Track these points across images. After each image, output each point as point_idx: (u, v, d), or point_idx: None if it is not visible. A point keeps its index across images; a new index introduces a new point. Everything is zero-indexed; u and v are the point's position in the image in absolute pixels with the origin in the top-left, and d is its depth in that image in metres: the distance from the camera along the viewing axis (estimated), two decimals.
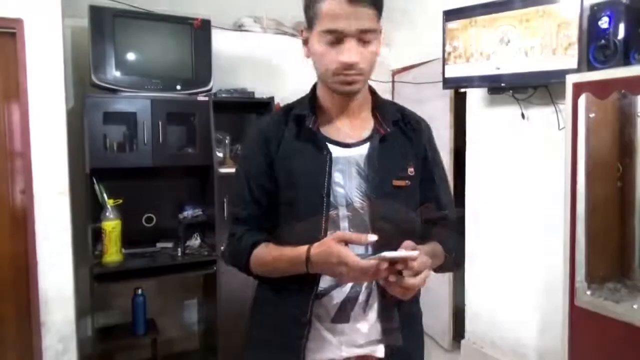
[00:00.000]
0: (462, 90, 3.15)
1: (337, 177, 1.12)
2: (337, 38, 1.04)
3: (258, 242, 1.14)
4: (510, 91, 2.69)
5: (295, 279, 1.09)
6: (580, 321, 2.17)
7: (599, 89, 2.06)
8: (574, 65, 2.30)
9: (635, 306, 2.00)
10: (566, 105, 2.20)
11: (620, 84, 2.00)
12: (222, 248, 1.15)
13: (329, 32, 1.04)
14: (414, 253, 0.96)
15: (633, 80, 1.95)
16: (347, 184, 1.12)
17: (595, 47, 2.18)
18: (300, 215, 1.10)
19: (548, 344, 2.76)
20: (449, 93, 3.25)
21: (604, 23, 2.15)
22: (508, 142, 2.94)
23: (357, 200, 1.12)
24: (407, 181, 1.15)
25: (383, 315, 1.15)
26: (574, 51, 2.30)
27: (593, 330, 2.12)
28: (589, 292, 2.16)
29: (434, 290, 3.55)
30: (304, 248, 1.03)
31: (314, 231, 1.08)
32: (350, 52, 1.04)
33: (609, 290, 2.15)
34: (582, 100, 2.11)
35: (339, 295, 1.12)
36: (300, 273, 1.06)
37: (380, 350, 1.16)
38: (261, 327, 1.20)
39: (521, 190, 2.88)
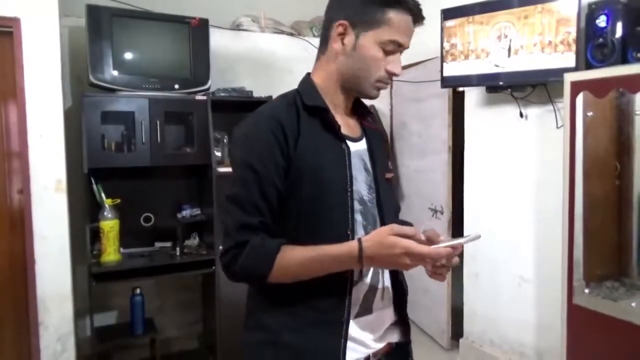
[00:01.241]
0: (461, 89, 3.15)
1: (352, 171, 1.12)
2: (394, 50, 1.09)
3: (280, 245, 1.03)
4: (509, 90, 2.69)
5: (326, 279, 1.04)
6: (579, 320, 2.17)
7: (597, 88, 2.06)
8: (572, 64, 2.30)
9: (633, 304, 2.00)
10: (564, 103, 2.20)
11: (618, 83, 2.00)
12: (223, 260, 1.04)
13: (393, 42, 1.08)
14: (477, 235, 1.07)
15: (631, 78, 1.95)
16: (358, 177, 1.13)
17: (593, 45, 2.18)
18: (325, 212, 1.07)
19: (546, 343, 2.77)
20: (447, 92, 3.25)
21: (601, 22, 2.15)
22: (506, 140, 2.94)
23: (365, 194, 1.14)
24: (392, 174, 1.25)
25: (396, 301, 1.21)
26: (571, 50, 2.30)
27: (591, 329, 2.12)
28: (587, 291, 2.16)
29: (433, 290, 3.56)
30: (353, 243, 1.01)
31: (342, 227, 1.08)
32: (399, 65, 1.11)
33: (607, 289, 2.16)
34: (580, 98, 2.11)
35: (363, 287, 1.12)
36: (346, 269, 1.05)
37: (396, 336, 1.21)
38: (285, 333, 1.08)
39: (519, 189, 2.88)
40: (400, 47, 1.09)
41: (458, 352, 3.36)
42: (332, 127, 1.11)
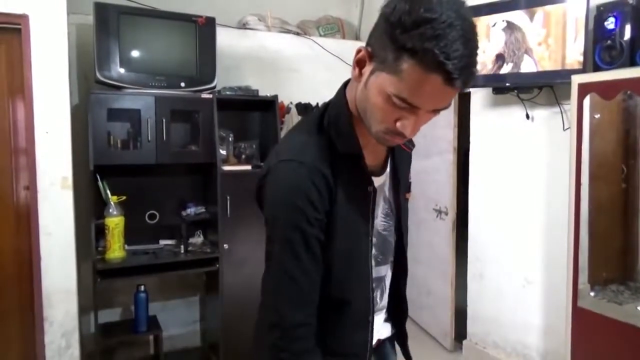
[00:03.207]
0: (467, 90, 3.14)
1: (375, 211, 1.05)
2: (407, 108, 0.85)
3: None
4: (515, 91, 2.68)
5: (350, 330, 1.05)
6: (583, 322, 2.16)
7: (605, 90, 2.05)
8: (580, 66, 2.28)
9: (638, 308, 2.00)
10: (571, 105, 2.19)
11: (626, 85, 1.99)
12: (271, 339, 0.95)
13: (404, 101, 0.83)
14: None
15: (639, 81, 1.94)
16: (378, 213, 1.06)
17: (601, 47, 2.16)
18: (350, 262, 1.01)
19: (551, 345, 2.76)
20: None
21: (610, 24, 2.13)
22: (512, 142, 2.93)
23: (379, 225, 1.09)
24: (410, 192, 1.19)
25: (394, 298, 1.20)
26: (579, 51, 2.29)
27: (596, 332, 2.11)
28: (592, 294, 2.15)
29: (436, 291, 3.55)
30: None
31: (362, 268, 1.04)
32: (410, 126, 0.88)
33: (612, 292, 2.15)
34: (587, 100, 2.10)
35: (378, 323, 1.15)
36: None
37: (388, 330, 1.21)
38: None
39: (525, 191, 2.87)
40: (415, 108, 0.84)
41: (461, 354, 3.35)
42: (362, 173, 1.00)
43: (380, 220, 1.09)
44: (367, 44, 0.89)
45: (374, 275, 1.09)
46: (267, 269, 0.98)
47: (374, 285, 1.09)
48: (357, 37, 4.33)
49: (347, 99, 0.99)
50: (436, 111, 0.87)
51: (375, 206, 1.04)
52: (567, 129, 2.52)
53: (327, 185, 0.93)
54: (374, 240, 1.07)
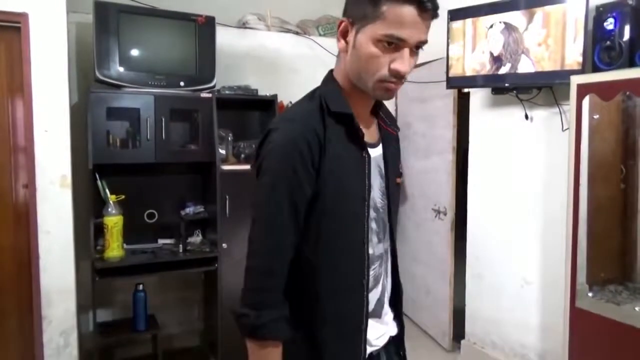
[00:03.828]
0: (466, 90, 3.15)
1: (371, 179, 1.10)
2: (396, 46, 0.97)
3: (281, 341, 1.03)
4: (514, 92, 2.68)
5: (346, 291, 1.08)
6: (581, 323, 2.16)
7: (604, 91, 2.05)
8: (579, 67, 2.29)
9: (637, 308, 2.00)
10: (570, 106, 2.19)
11: (625, 86, 2.00)
12: (241, 311, 1.02)
13: (392, 37, 0.96)
14: None
15: (638, 81, 1.94)
16: (374, 185, 1.11)
17: (601, 48, 2.17)
18: (344, 222, 1.06)
19: (549, 345, 2.76)
20: (452, 93, 3.25)
21: (609, 24, 2.13)
22: (511, 142, 2.93)
23: (379, 201, 1.13)
24: (401, 178, 1.24)
25: (395, 301, 1.22)
26: (578, 52, 2.29)
27: (594, 332, 2.12)
28: (590, 294, 2.16)
29: (434, 291, 3.55)
30: None
31: (358, 236, 1.08)
32: (405, 61, 0.98)
33: (610, 293, 2.15)
34: (586, 101, 2.10)
35: (375, 295, 1.15)
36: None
37: (393, 329, 1.23)
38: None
39: (523, 191, 2.87)
40: (403, 42, 0.97)
41: (459, 354, 3.35)
42: (355, 135, 1.06)
43: (377, 195, 1.13)
44: (344, 16, 1.04)
45: (376, 252, 1.13)
46: (252, 219, 1.03)
47: (376, 264, 1.13)
48: None
49: (335, 78, 1.11)
50: (419, 47, 1.00)
51: (371, 174, 1.09)
52: (566, 129, 2.53)
53: (317, 139, 1.00)
54: (373, 214, 1.11)
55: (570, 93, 2.18)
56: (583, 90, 2.12)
